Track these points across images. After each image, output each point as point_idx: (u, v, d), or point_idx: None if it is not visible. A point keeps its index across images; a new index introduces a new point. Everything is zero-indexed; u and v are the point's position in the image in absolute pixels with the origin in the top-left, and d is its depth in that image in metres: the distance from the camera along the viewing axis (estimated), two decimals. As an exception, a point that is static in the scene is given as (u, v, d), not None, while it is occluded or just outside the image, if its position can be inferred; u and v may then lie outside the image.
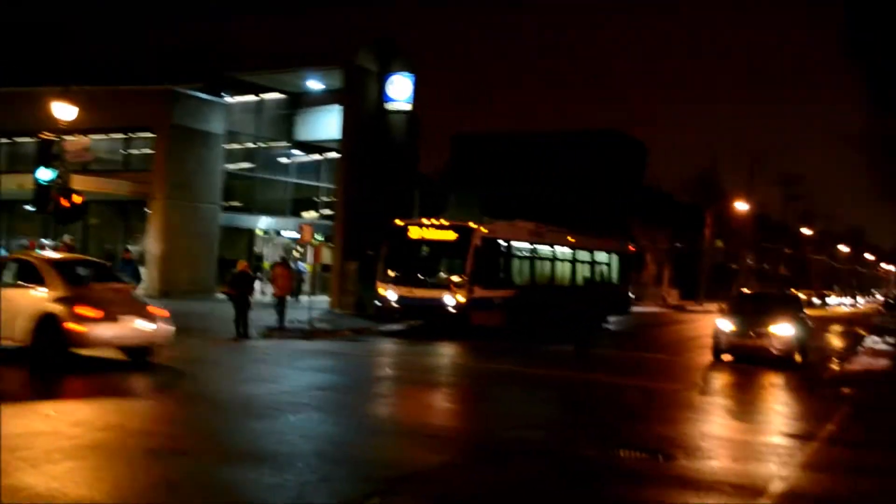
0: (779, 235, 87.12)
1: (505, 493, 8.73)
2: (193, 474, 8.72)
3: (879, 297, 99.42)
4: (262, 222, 38.02)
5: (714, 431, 12.69)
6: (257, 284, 27.36)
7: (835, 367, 22.55)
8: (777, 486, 9.12)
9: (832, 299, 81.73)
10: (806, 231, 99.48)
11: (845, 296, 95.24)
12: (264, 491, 8.15)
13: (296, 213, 39.48)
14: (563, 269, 30.82)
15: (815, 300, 68.97)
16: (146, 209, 33.11)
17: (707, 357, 22.55)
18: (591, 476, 9.51)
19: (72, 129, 24.31)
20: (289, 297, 24.58)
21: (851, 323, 48.41)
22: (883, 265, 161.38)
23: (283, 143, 39.35)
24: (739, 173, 76.18)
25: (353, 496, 8.19)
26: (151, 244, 32.70)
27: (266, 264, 37.10)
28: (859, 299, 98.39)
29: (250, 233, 37.76)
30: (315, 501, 7.90)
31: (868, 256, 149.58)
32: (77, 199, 22.30)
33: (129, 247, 31.56)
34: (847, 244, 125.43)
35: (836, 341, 33.29)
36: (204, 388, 14.41)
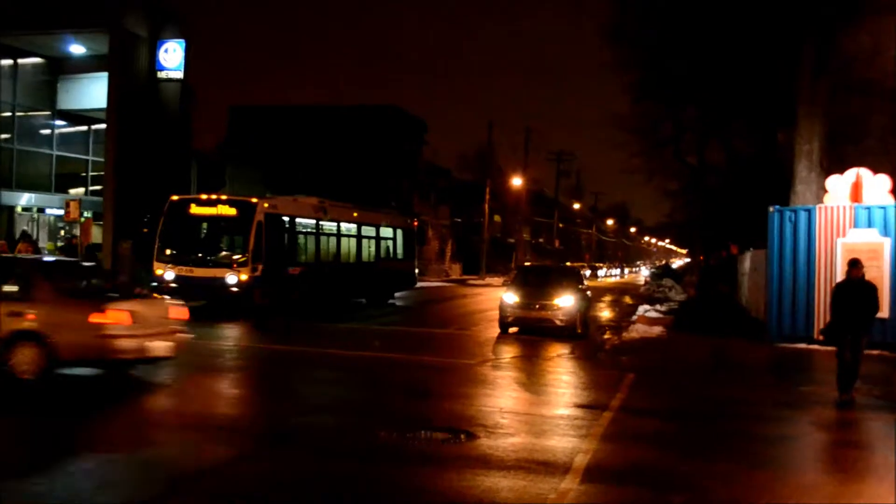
0: (552, 210, 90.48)
1: (298, 483, 8.11)
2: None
3: (645, 270, 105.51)
4: (24, 199, 35.00)
5: (511, 406, 12.55)
6: None
7: (614, 336, 23.32)
8: (581, 460, 9.01)
9: (602, 271, 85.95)
10: (576, 206, 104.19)
11: (614, 267, 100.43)
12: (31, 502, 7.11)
13: (61, 188, 36.58)
14: (349, 245, 30.27)
15: (587, 272, 72.22)
16: None
17: (494, 330, 22.76)
18: (389, 461, 9.03)
19: None
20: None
21: (622, 293, 50.97)
22: (646, 238, 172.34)
23: (45, 113, 36.33)
24: (516, 151, 78.26)
25: (133, 503, 7.29)
26: None
27: (50, 245, 34.64)
28: (626, 270, 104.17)
29: (10, 210, 34.67)
30: (88, 511, 6.96)
31: (632, 230, 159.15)
32: None
33: None
34: (613, 219, 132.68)
35: (612, 311, 34.74)
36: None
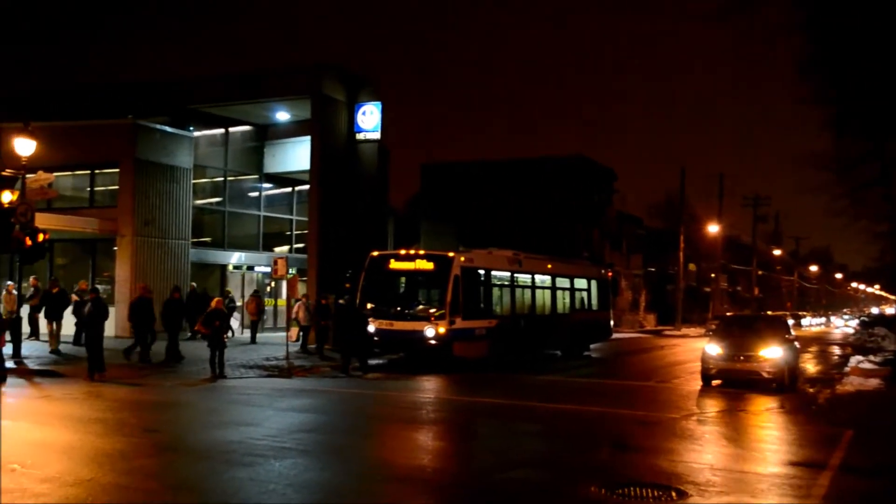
0: (748, 257, 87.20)
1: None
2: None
3: (838, 321, 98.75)
4: (234, 257, 37.16)
5: (721, 463, 12.05)
6: (234, 321, 26.54)
7: (826, 389, 22.07)
8: (804, 524, 8.53)
9: (806, 320, 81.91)
10: (776, 252, 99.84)
11: (818, 316, 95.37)
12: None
13: (267, 247, 38.61)
14: (544, 297, 30.23)
15: (790, 321, 69.05)
16: (114, 247, 32.09)
17: (695, 383, 22.06)
18: (603, 518, 8.86)
19: (34, 165, 23.44)
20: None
21: (829, 343, 48.31)
22: (853, 284, 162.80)
23: (253, 176, 38.59)
24: (708, 196, 75.65)
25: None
26: (120, 283, 31.65)
27: (271, 300, 37.09)
28: (833, 319, 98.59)
29: (222, 268, 36.85)
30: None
31: (837, 276, 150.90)
32: (41, 237, 21.32)
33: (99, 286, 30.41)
34: (816, 264, 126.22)
35: (821, 362, 32.93)
36: (180, 433, 13.62)
